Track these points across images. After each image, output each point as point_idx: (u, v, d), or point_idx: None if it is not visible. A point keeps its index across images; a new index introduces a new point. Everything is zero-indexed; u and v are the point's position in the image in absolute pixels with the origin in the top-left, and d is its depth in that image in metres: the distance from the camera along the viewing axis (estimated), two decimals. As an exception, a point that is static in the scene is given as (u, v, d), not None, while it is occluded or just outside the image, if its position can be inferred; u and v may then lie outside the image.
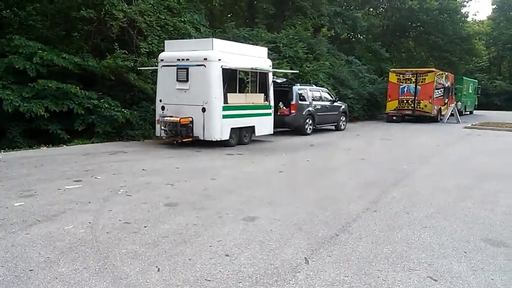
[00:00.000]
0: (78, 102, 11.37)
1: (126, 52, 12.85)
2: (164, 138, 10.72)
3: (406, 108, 21.09)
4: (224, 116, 10.51)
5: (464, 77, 29.37)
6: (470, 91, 30.20)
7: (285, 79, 14.49)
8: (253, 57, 11.57)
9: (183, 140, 10.41)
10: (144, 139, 11.88)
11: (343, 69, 21.84)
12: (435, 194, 6.36)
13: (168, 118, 10.39)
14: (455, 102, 24.29)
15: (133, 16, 13.38)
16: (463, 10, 35.29)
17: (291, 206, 5.48)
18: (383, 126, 19.21)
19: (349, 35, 28.45)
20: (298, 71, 16.17)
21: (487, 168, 8.82)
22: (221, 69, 10.34)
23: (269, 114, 12.22)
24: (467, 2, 42.44)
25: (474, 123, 20.04)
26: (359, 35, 29.93)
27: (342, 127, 16.42)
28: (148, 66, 12.70)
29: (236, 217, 4.93)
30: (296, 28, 20.69)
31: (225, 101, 10.57)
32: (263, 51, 12.44)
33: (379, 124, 20.56)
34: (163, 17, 14.60)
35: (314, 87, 15.64)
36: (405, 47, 36.85)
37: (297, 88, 14.18)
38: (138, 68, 12.43)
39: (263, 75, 12.09)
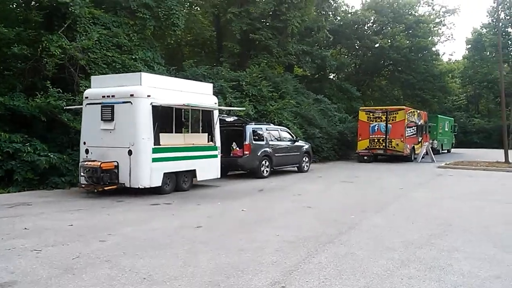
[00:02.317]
0: (-4, 146, 10.03)
1: (60, 90, 11.74)
2: (83, 186, 9.28)
3: (377, 147, 20.06)
4: (155, 160, 9.21)
5: (438, 115, 28.79)
6: (446, 129, 29.55)
7: (236, 117, 13.36)
8: (193, 93, 10.42)
9: (105, 188, 8.99)
10: (71, 187, 10.44)
11: (311, 108, 20.92)
12: (375, 256, 5.02)
13: (88, 163, 9.04)
14: (429, 141, 23.45)
15: (73, 53, 12.38)
16: (435, 48, 35.38)
17: (172, 283, 4.08)
18: (352, 167, 18.01)
19: (318, 74, 27.86)
20: (244, 109, 14.97)
21: (450, 216, 7.56)
22: (150, 106, 9.15)
23: (215, 156, 10.96)
24: (442, 42, 42.93)
25: (448, 162, 19.01)
26: (329, 73, 29.45)
27: (305, 168, 15.17)
28: None
29: (77, 306, 3.52)
30: (261, 66, 19.91)
31: (157, 142, 9.30)
32: (207, 87, 11.33)
33: (349, 164, 19.37)
34: (111, 54, 13.66)
35: (272, 125, 14.51)
36: (377, 85, 36.58)
37: (251, 127, 13.02)
38: (64, 107, 11.20)
39: (207, 113, 10.93)
